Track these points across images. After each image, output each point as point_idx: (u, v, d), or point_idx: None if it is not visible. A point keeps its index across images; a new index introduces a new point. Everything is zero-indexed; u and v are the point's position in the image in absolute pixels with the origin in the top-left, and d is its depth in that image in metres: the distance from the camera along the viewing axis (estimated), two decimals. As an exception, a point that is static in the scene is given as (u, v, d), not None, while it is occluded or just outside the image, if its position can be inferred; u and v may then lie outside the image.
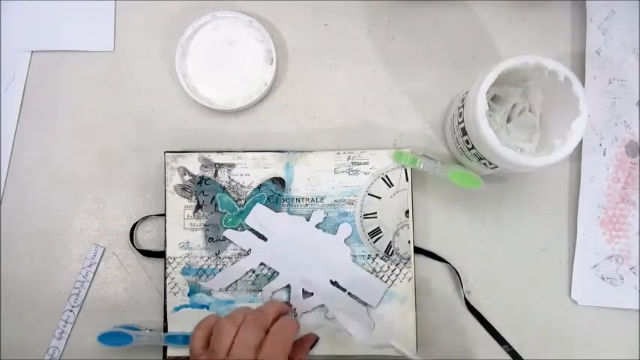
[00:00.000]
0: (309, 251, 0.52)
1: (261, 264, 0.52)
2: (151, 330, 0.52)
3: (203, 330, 0.43)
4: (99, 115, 0.55)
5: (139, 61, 0.56)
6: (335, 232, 0.52)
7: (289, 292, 0.52)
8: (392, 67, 0.56)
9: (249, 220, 0.52)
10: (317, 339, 0.51)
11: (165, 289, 0.52)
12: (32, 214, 0.55)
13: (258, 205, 0.52)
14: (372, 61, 0.56)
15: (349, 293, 0.52)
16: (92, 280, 0.54)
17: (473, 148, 0.47)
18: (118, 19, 0.56)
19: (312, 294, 0.52)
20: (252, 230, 0.52)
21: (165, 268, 0.52)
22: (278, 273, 0.52)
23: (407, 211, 0.52)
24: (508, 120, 0.51)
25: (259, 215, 0.52)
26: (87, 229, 0.54)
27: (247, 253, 0.52)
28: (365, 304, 0.51)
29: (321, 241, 0.52)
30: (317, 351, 0.51)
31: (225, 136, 0.55)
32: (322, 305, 0.52)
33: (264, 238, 0.52)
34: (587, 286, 0.53)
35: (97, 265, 0.54)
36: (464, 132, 0.47)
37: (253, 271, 0.52)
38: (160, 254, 0.53)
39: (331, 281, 0.52)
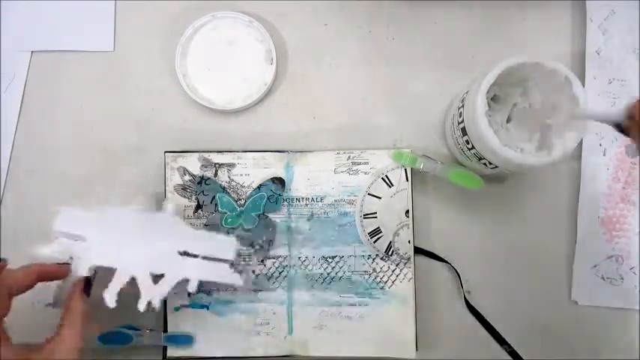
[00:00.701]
0: (139, 234, 0.45)
1: (96, 266, 0.44)
2: (151, 330, 0.52)
3: None
4: (99, 115, 0.55)
5: (139, 61, 0.56)
6: (160, 209, 0.46)
7: (137, 284, 0.44)
8: (392, 67, 0.56)
9: (58, 226, 0.44)
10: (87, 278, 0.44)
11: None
12: (32, 214, 0.55)
13: (61, 208, 0.44)
14: (372, 61, 0.56)
15: (203, 257, 0.46)
16: (92, 280, 0.54)
17: (473, 148, 0.47)
18: (118, 19, 0.56)
19: (162, 275, 0.45)
20: (66, 235, 0.44)
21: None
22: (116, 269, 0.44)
23: (407, 211, 0.52)
24: (508, 120, 0.51)
25: (65, 218, 0.44)
26: (87, 229, 0.54)
27: (71, 262, 0.44)
28: (224, 260, 0.46)
29: (146, 221, 0.45)
30: (317, 351, 0.51)
31: (225, 136, 0.55)
32: (185, 280, 0.45)
33: (83, 239, 0.44)
34: (587, 286, 0.53)
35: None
36: (464, 132, 0.47)
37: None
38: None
39: (179, 252, 0.45)
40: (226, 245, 0.46)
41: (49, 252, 0.44)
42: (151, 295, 0.44)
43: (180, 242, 0.46)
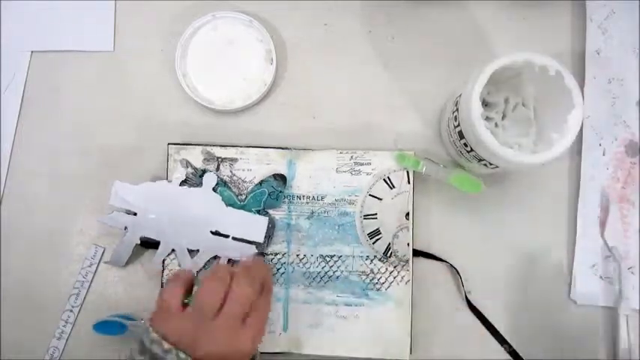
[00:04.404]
0: (181, 211, 0.52)
1: (143, 237, 0.52)
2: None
3: (180, 286, 0.43)
4: (99, 114, 0.55)
5: (139, 61, 0.56)
6: (200, 185, 0.52)
7: (176, 256, 0.52)
8: (392, 67, 0.56)
9: (113, 200, 0.52)
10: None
11: (162, 282, 0.52)
12: (32, 214, 0.55)
13: (116, 182, 0.52)
14: (372, 61, 0.56)
15: (233, 238, 0.52)
16: (92, 280, 0.54)
17: (472, 150, 0.47)
18: (118, 19, 0.56)
19: (197, 251, 0.52)
20: (119, 210, 0.52)
21: (164, 261, 0.52)
22: (160, 242, 0.52)
23: (407, 214, 0.52)
24: (503, 117, 0.51)
25: (120, 192, 0.51)
26: (87, 229, 0.54)
27: (127, 231, 0.52)
28: (252, 242, 0.52)
29: (188, 198, 0.52)
30: (315, 351, 0.52)
31: (224, 136, 0.55)
32: (215, 257, 0.52)
33: (134, 213, 0.52)
34: (587, 286, 0.53)
35: (97, 265, 0.54)
36: (461, 135, 0.47)
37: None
38: (159, 244, 0.53)
39: (212, 232, 0.52)
40: (257, 225, 0.52)
41: (108, 223, 0.52)
42: (187, 266, 0.52)
43: (215, 218, 0.52)
